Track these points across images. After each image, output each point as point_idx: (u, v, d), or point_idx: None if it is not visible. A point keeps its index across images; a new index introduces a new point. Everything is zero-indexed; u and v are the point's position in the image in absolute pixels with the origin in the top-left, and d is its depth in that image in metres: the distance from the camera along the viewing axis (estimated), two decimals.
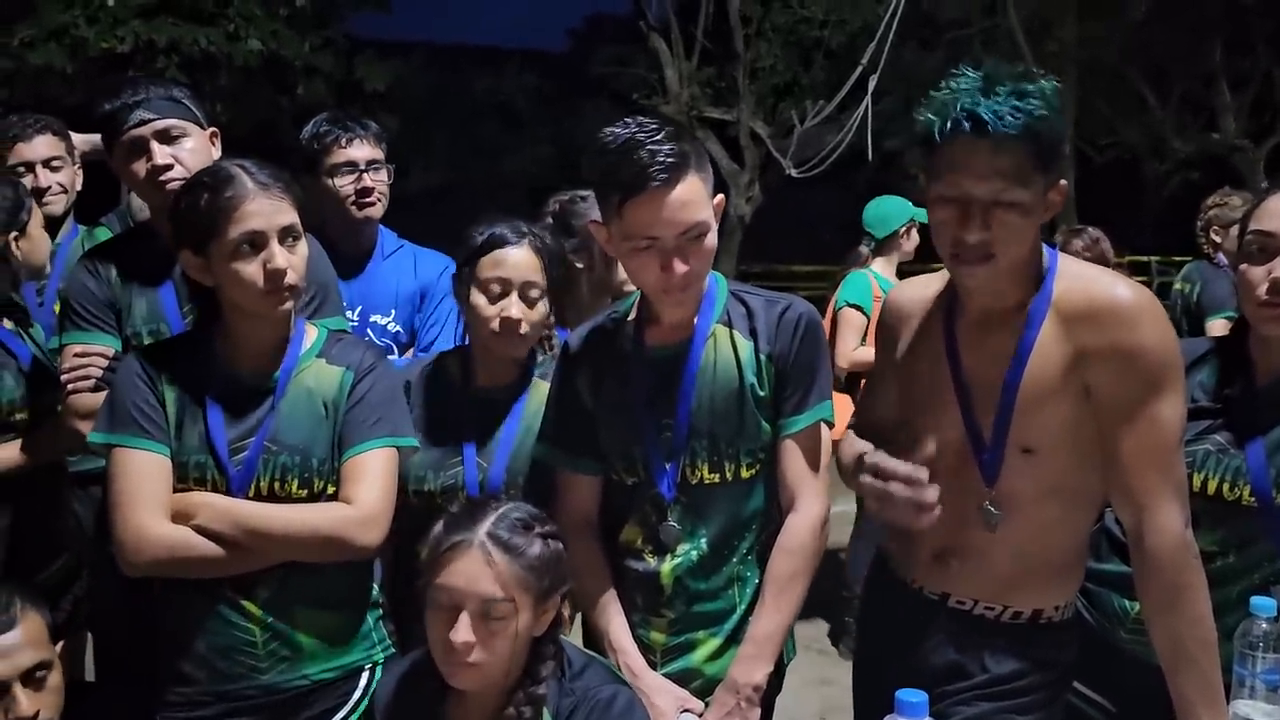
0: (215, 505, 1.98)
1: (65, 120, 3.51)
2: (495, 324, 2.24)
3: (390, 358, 2.69)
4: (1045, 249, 1.91)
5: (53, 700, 2.01)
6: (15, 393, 2.66)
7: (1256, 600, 1.79)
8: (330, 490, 2.04)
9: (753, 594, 2.10)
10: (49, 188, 3.33)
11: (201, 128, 2.47)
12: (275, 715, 2.04)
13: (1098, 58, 15.59)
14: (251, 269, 1.97)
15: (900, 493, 1.84)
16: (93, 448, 2.07)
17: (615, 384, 2.13)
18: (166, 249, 2.17)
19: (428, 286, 3.03)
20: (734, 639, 2.09)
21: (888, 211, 4.99)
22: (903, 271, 4.11)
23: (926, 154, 1.82)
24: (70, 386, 2.40)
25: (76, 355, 2.41)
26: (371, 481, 2.02)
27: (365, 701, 2.09)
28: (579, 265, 2.88)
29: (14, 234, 2.71)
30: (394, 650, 2.18)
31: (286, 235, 2.00)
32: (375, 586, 2.19)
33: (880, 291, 4.83)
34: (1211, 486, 2.06)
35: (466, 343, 2.39)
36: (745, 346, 2.08)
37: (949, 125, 1.76)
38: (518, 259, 2.25)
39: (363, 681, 2.11)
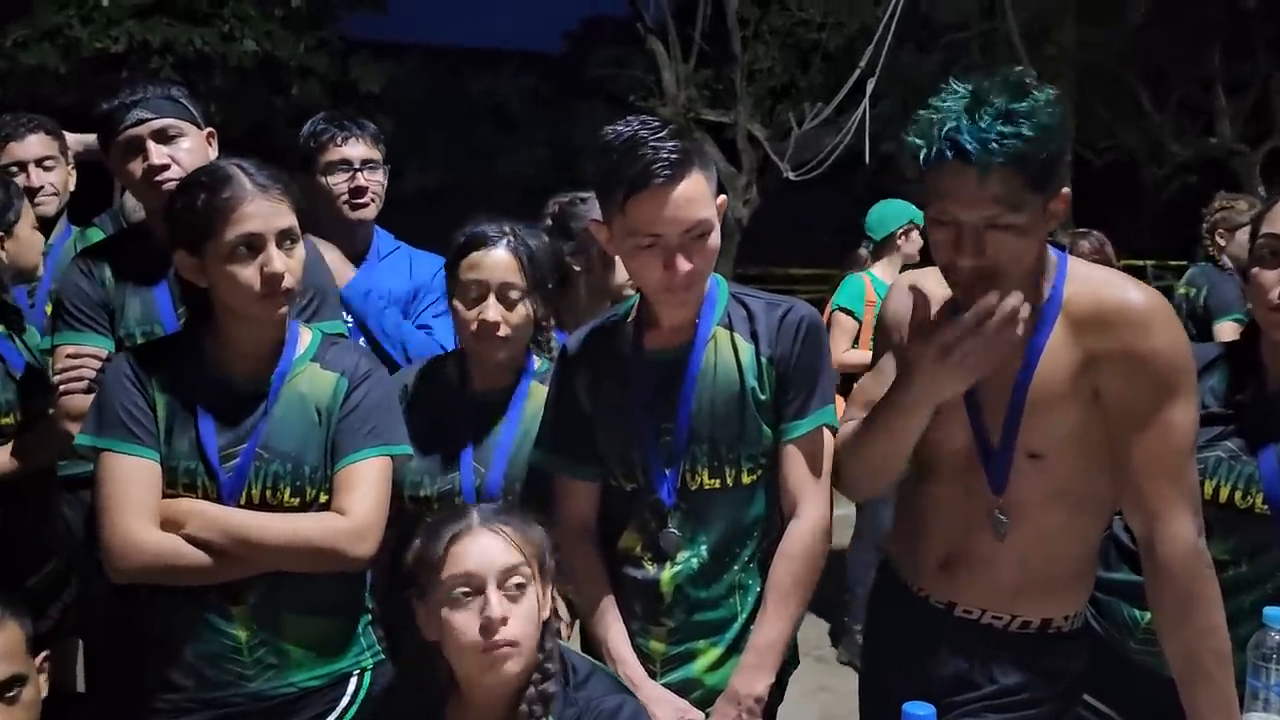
0: (205, 514, 1.95)
1: (59, 120, 3.49)
2: (474, 326, 2.22)
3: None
4: (1054, 251, 1.87)
5: (25, 716, 1.95)
6: (3, 397, 2.63)
7: (1270, 611, 1.76)
8: (323, 499, 2.01)
9: (754, 602, 2.07)
10: (41, 188, 3.31)
11: (199, 127, 2.45)
12: None
13: (1096, 61, 15.60)
14: (248, 272, 1.93)
15: (990, 325, 1.73)
16: (79, 450, 2.04)
17: (614, 388, 2.10)
18: (161, 250, 2.15)
19: (421, 287, 3.00)
20: (735, 648, 2.06)
21: (885, 214, 5.02)
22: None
23: (921, 174, 1.77)
24: (62, 388, 2.37)
25: (69, 356, 2.39)
26: (365, 492, 1.99)
27: (354, 708, 2.07)
28: (577, 268, 2.85)
29: (0, 235, 2.68)
30: (383, 657, 2.15)
31: (284, 238, 1.97)
32: (366, 593, 2.16)
33: (875, 295, 4.87)
34: (1223, 494, 2.03)
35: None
36: (746, 349, 2.05)
37: (933, 152, 1.71)
38: (493, 260, 2.22)
39: (350, 688, 2.09)
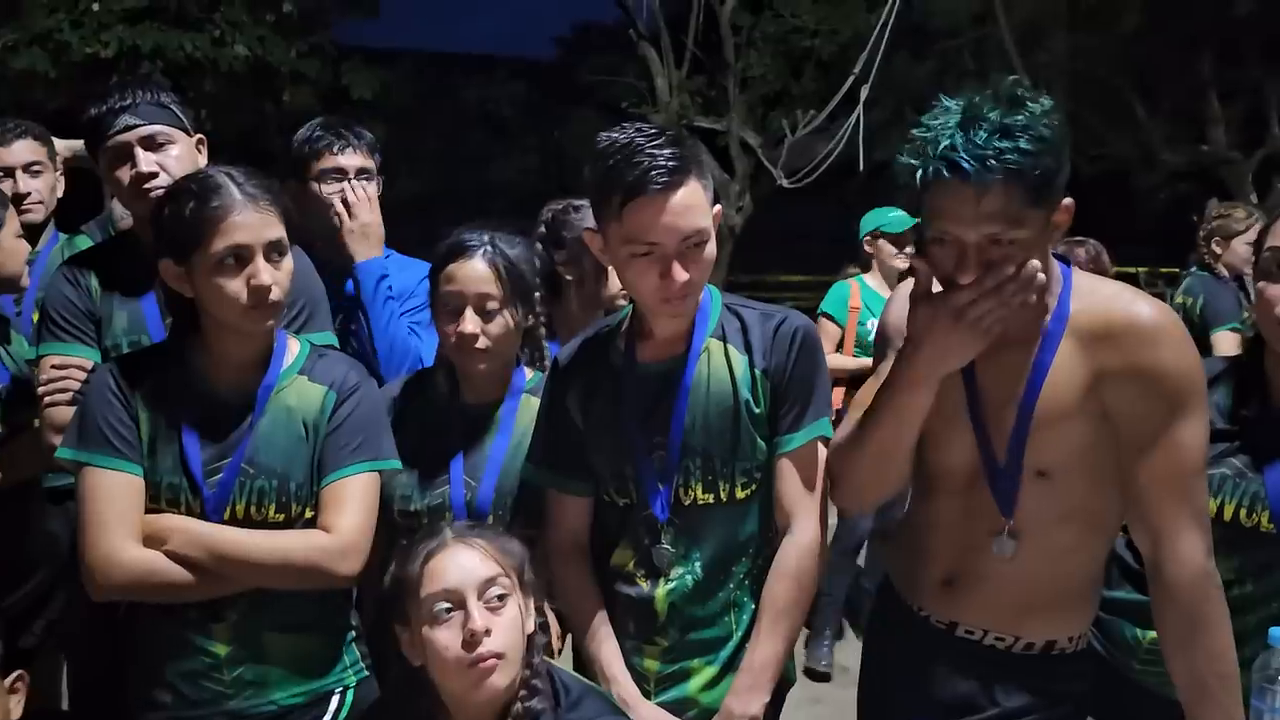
0: (188, 531, 1.92)
1: (48, 125, 3.45)
2: (453, 339, 2.19)
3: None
4: (1058, 265, 1.84)
5: None
6: None
7: (1276, 631, 1.72)
8: (308, 514, 1.99)
9: (749, 620, 2.04)
10: (29, 194, 3.27)
11: (188, 134, 2.42)
12: None
13: (1088, 69, 15.63)
14: (235, 284, 1.90)
15: (1008, 287, 1.69)
16: (60, 463, 2.01)
17: (606, 401, 2.07)
18: (149, 258, 2.12)
19: (403, 293, 2.96)
20: (730, 667, 2.03)
21: (862, 222, 5.10)
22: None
23: (918, 194, 1.73)
24: (47, 400, 2.33)
25: (54, 367, 2.35)
26: (351, 509, 1.97)
27: None
28: (568, 277, 2.82)
29: None
30: (367, 674, 2.12)
31: (272, 250, 1.94)
32: (352, 609, 2.14)
33: (859, 301, 4.97)
34: (1228, 512, 2.00)
35: None
36: (740, 361, 2.02)
37: (930, 171, 1.67)
38: (468, 272, 2.18)
39: (332, 706, 2.06)
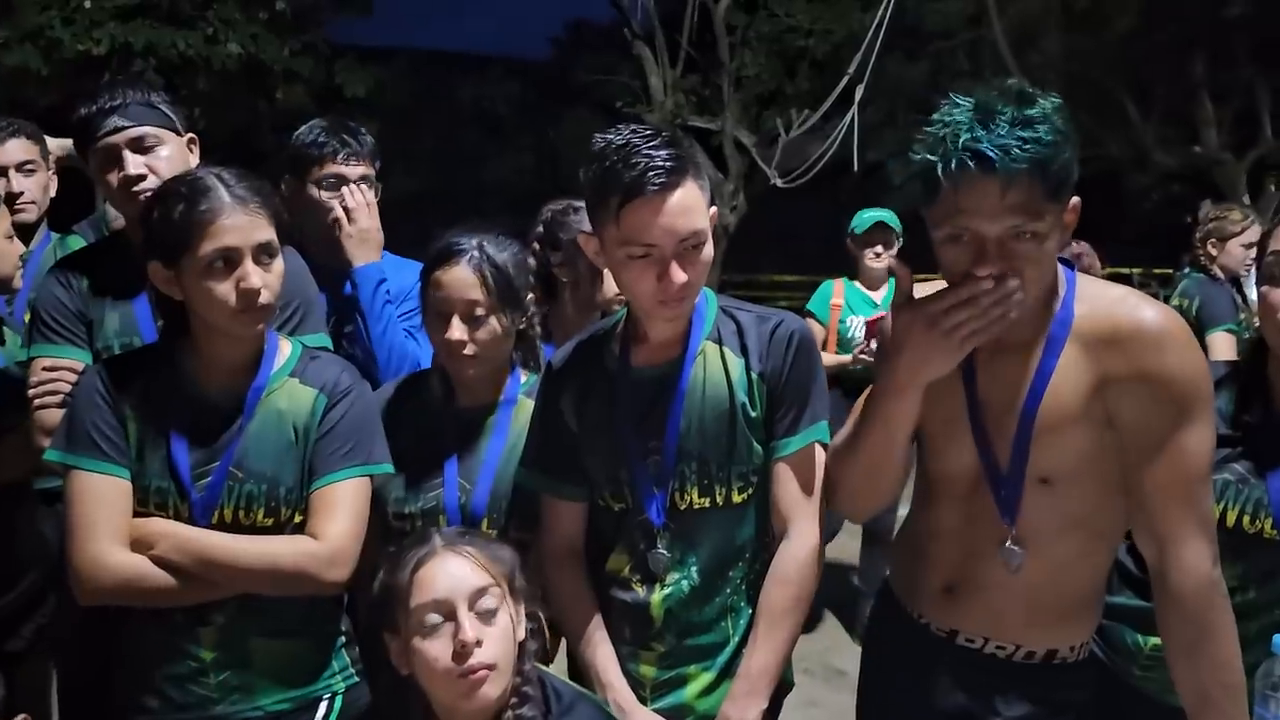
0: (175, 536, 1.91)
1: (39, 124, 3.43)
2: (441, 346, 2.18)
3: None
4: (1062, 269, 1.82)
5: None
6: None
7: (1279, 639, 1.71)
8: (298, 519, 1.97)
9: (746, 626, 2.02)
10: (21, 193, 3.24)
11: (179, 134, 2.39)
12: None
13: (1081, 70, 15.65)
14: (224, 287, 1.88)
15: (985, 299, 1.66)
16: (48, 465, 2.00)
17: (600, 405, 2.06)
18: (140, 260, 2.09)
19: (401, 293, 2.94)
20: (727, 673, 2.02)
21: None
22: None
23: (927, 193, 1.70)
24: (37, 402, 2.31)
25: (45, 369, 2.33)
26: (341, 515, 1.95)
27: None
28: (564, 280, 2.80)
29: None
30: (356, 680, 2.10)
31: (262, 253, 1.92)
32: (343, 614, 2.12)
33: (841, 299, 5.09)
34: (1231, 518, 1.98)
35: None
36: (736, 364, 2.01)
37: (953, 164, 1.63)
38: (454, 278, 2.15)
39: (320, 712, 2.05)
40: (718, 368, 2.01)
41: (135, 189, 2.29)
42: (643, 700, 2.02)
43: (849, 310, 5.07)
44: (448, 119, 26.53)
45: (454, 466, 2.20)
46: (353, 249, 2.76)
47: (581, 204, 2.67)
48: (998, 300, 1.65)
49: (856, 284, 5.18)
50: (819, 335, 4.91)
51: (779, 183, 13.43)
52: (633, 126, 1.92)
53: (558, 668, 2.13)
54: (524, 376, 2.30)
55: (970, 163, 1.62)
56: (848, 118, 10.92)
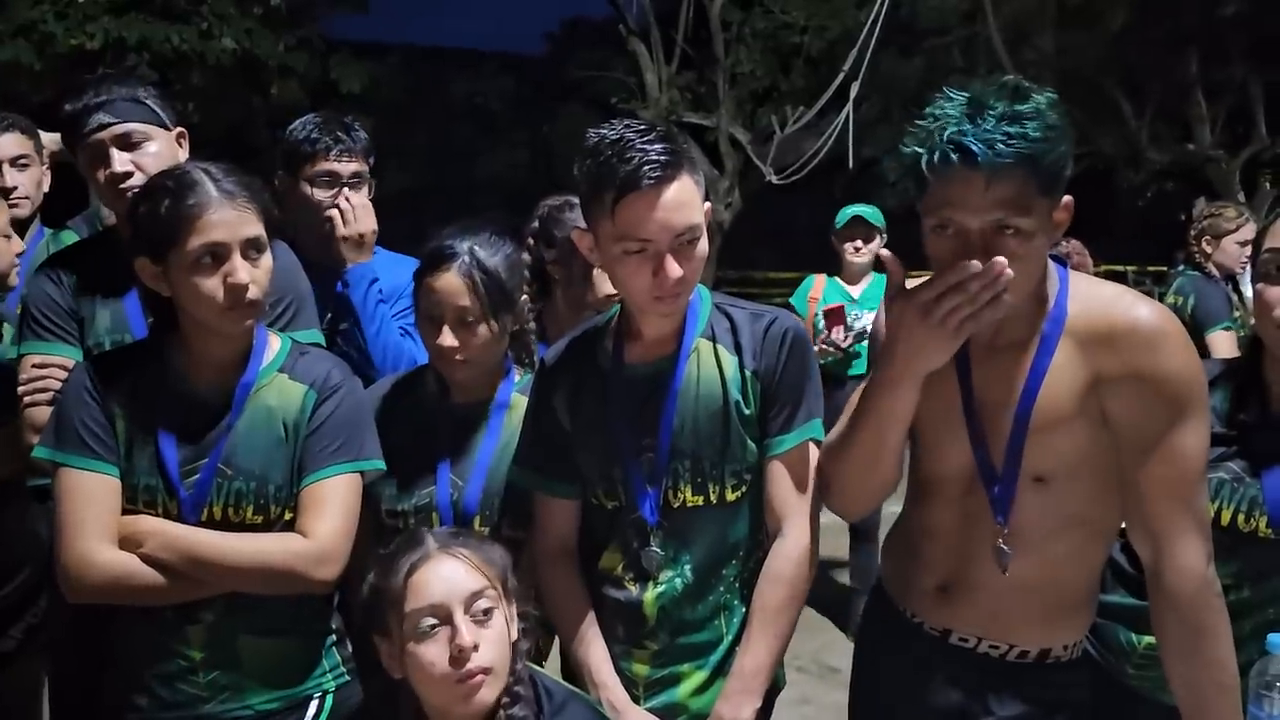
0: (164, 534, 1.89)
1: (32, 118, 3.40)
2: (433, 350, 2.18)
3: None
4: (1055, 266, 1.82)
5: None
6: None
7: (1274, 637, 1.70)
8: (288, 516, 1.96)
9: (739, 624, 2.02)
10: (15, 188, 3.22)
11: (167, 129, 2.37)
12: None
13: (1075, 67, 15.66)
14: (211, 283, 1.87)
15: (974, 284, 1.62)
16: (37, 463, 1.99)
17: (593, 402, 2.04)
18: (130, 256, 2.08)
19: (395, 291, 2.93)
20: (720, 671, 2.01)
21: None
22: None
23: (918, 186, 1.69)
24: (27, 400, 2.30)
25: (35, 367, 2.31)
26: (330, 513, 1.93)
27: None
28: (556, 277, 2.79)
29: None
30: (347, 679, 2.09)
31: (250, 248, 1.90)
32: (333, 612, 2.11)
33: (819, 294, 5.21)
34: (1226, 517, 1.98)
35: None
36: (730, 362, 2.00)
37: (937, 157, 1.63)
38: (444, 285, 2.14)
39: (310, 711, 2.03)
40: (711, 365, 2.00)
41: (122, 186, 2.27)
42: (636, 699, 2.01)
43: (823, 304, 5.14)
44: (442, 114, 26.49)
45: (447, 464, 2.20)
46: (346, 250, 2.75)
47: (576, 199, 2.67)
48: (987, 284, 1.62)
49: (837, 279, 5.22)
50: None
51: (774, 179, 13.44)
52: (627, 122, 1.91)
53: (551, 666, 2.13)
54: (519, 374, 2.29)
55: (954, 155, 1.61)
56: (843, 114, 10.93)
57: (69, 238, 3.29)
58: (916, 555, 1.95)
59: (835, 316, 4.99)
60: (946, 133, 1.62)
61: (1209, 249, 4.71)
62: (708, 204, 1.95)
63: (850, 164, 10.72)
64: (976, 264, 1.60)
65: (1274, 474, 1.96)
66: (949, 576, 1.89)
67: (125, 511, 1.92)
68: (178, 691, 1.95)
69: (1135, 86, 16.66)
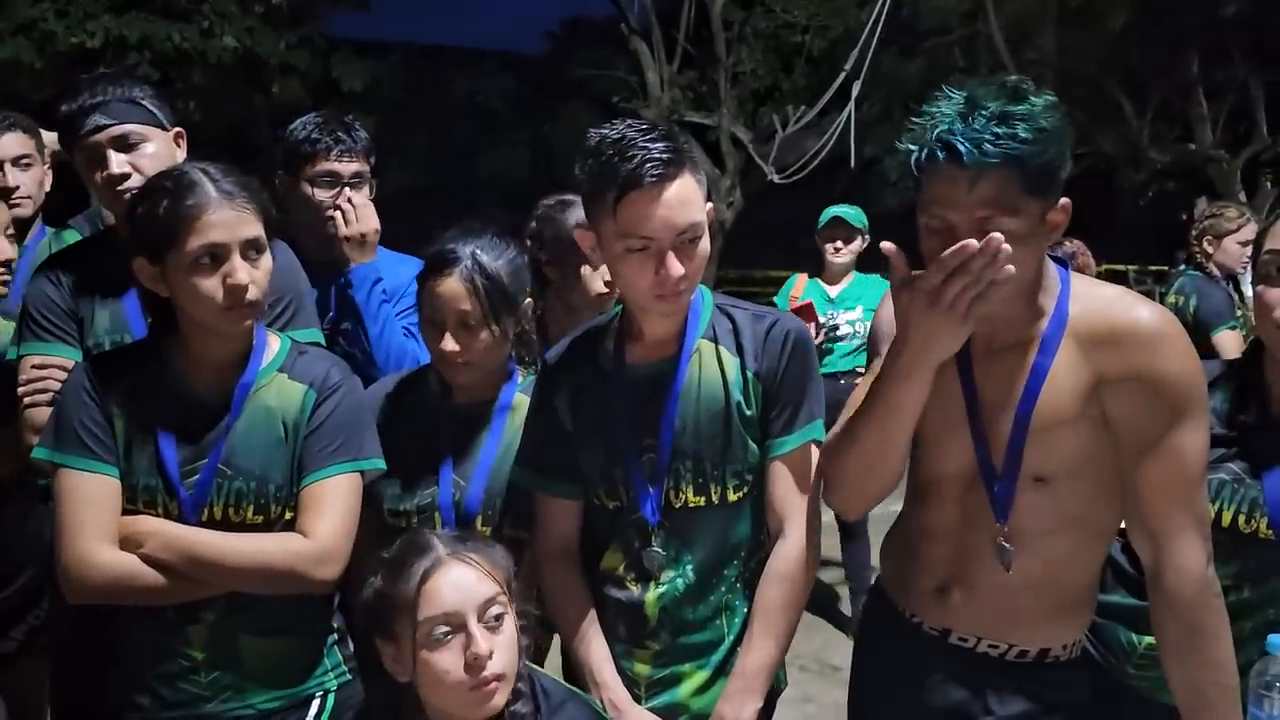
0: (164, 534, 1.89)
1: (34, 117, 3.40)
2: (435, 354, 2.18)
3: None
4: (1056, 268, 1.82)
5: None
6: None
7: (1274, 638, 1.70)
8: (288, 516, 1.96)
9: (741, 624, 2.02)
10: (17, 188, 3.22)
11: (165, 129, 2.36)
12: None
13: (1076, 67, 15.66)
14: (210, 283, 1.87)
15: (975, 263, 1.60)
16: (36, 463, 1.98)
17: (595, 403, 2.05)
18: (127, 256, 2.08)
19: (397, 290, 2.93)
20: (722, 671, 2.01)
21: None
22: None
23: (915, 184, 1.71)
24: (27, 400, 2.29)
25: (34, 367, 2.30)
26: (330, 513, 1.93)
27: None
28: (551, 278, 2.79)
29: None
30: (349, 678, 2.09)
31: (249, 248, 1.89)
32: (335, 611, 2.11)
33: (800, 292, 5.27)
34: (1226, 518, 1.97)
35: None
36: (732, 363, 2.00)
37: (924, 154, 1.65)
38: (445, 290, 2.14)
39: (312, 710, 2.03)
40: (713, 366, 2.00)
41: (120, 188, 2.26)
42: (637, 699, 2.01)
43: None
44: (443, 113, 26.50)
45: (449, 464, 2.20)
46: (349, 251, 2.75)
47: (572, 199, 2.66)
48: (988, 261, 1.60)
49: (818, 280, 5.24)
50: None
51: (775, 179, 13.44)
52: (628, 121, 1.92)
53: (551, 666, 2.13)
54: (521, 375, 2.29)
55: (940, 153, 1.63)
56: (844, 114, 10.92)
57: (71, 237, 3.28)
58: (916, 555, 1.95)
59: (805, 314, 5.01)
60: (937, 131, 1.63)
61: (1210, 249, 4.71)
62: (709, 203, 1.95)
63: (852, 163, 10.72)
64: (974, 243, 1.60)
65: (1274, 475, 1.96)
66: (948, 576, 1.89)
67: (125, 512, 1.92)
68: (179, 691, 1.95)
69: (1136, 86, 16.65)
